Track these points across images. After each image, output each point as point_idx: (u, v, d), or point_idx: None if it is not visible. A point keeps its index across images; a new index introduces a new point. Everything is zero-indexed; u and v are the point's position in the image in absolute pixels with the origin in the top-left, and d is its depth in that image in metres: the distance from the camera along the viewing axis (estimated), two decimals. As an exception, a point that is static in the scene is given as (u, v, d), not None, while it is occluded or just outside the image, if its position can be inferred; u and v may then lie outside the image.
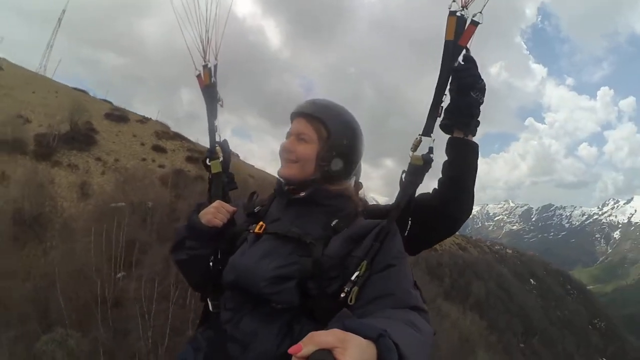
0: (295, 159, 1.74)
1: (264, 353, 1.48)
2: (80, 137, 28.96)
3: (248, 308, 1.58)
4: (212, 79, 2.30)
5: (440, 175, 1.89)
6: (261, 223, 1.73)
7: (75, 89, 41.61)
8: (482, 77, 1.81)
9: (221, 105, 2.32)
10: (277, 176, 1.84)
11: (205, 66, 2.30)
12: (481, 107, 1.86)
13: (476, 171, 1.86)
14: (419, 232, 1.81)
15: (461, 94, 1.80)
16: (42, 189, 23.09)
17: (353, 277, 1.46)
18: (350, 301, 1.44)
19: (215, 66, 2.32)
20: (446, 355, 29.87)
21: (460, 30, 1.79)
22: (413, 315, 1.33)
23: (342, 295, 1.45)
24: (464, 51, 1.83)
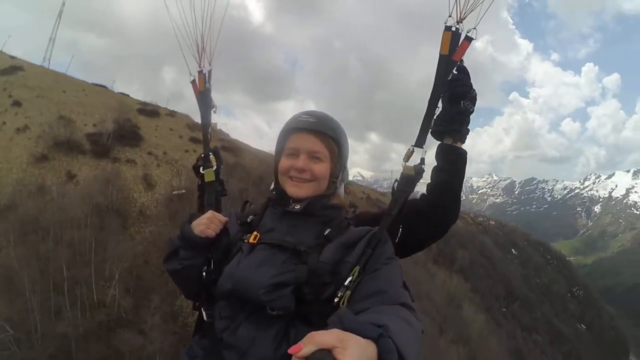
0: (311, 178, 1.76)
1: (262, 359, 1.53)
2: (129, 134, 31.86)
3: (244, 316, 1.62)
4: (207, 84, 2.31)
5: (429, 181, 1.97)
6: (255, 233, 1.74)
7: (95, 84, 44.02)
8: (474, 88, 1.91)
9: (215, 112, 2.33)
10: (277, 187, 1.85)
11: (200, 72, 2.31)
12: (471, 117, 1.95)
13: (464, 177, 1.96)
14: (408, 236, 1.86)
15: (453, 103, 1.90)
16: (112, 183, 26.03)
17: (346, 282, 1.51)
18: (343, 304, 1.48)
19: (210, 72, 2.33)
20: (438, 306, 34.12)
21: (454, 45, 1.85)
22: (404, 312, 1.36)
23: (336, 300, 1.49)
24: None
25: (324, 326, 1.12)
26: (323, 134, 1.78)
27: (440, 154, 1.94)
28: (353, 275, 1.53)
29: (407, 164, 1.82)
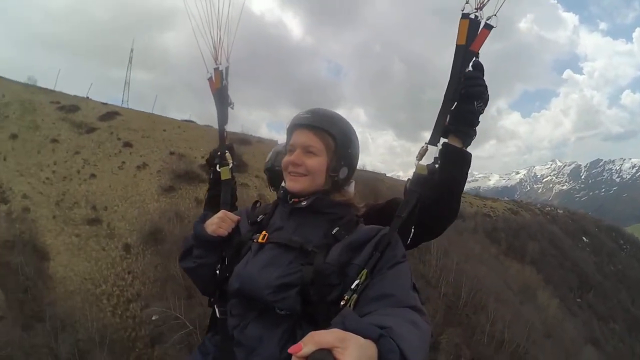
0: (305, 172, 1.76)
1: (268, 357, 1.55)
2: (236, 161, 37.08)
3: (253, 314, 1.64)
4: (224, 81, 2.34)
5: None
6: (264, 232, 1.78)
7: (185, 120, 48.61)
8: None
9: (232, 108, 2.37)
10: (283, 185, 1.86)
11: (216, 69, 2.35)
12: (480, 118, 1.85)
13: (465, 180, 1.90)
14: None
15: (466, 102, 1.81)
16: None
17: (353, 286, 1.51)
18: (350, 307, 1.48)
19: (227, 68, 2.36)
20: (515, 294, 37.53)
21: (472, 34, 1.78)
22: (412, 314, 1.36)
23: (342, 302, 1.49)
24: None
25: (330, 327, 1.12)
26: (318, 129, 1.77)
27: (443, 154, 1.83)
28: (360, 278, 1.52)
29: (421, 162, 1.81)
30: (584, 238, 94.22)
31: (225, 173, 2.27)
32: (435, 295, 30.04)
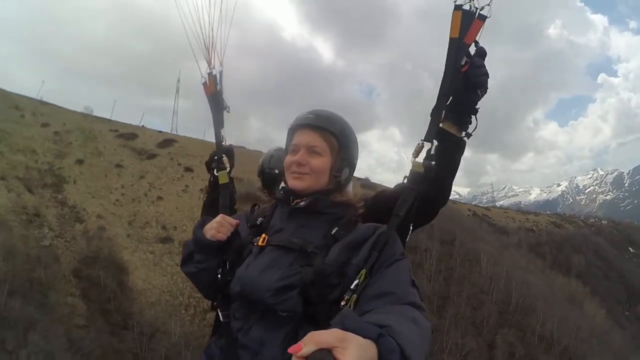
0: (309, 172, 1.80)
1: (272, 359, 1.58)
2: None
3: (256, 317, 1.67)
4: (218, 85, 2.36)
5: None
6: (264, 235, 1.80)
7: (236, 146, 52.73)
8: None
9: (228, 112, 2.39)
10: (284, 186, 1.91)
11: (210, 73, 2.35)
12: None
13: (458, 166, 1.92)
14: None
15: (469, 91, 1.81)
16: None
17: (352, 286, 1.53)
18: (349, 307, 1.50)
19: (221, 73, 2.37)
20: (561, 303, 39.74)
21: (466, 26, 1.75)
22: (412, 311, 1.37)
23: (342, 303, 1.52)
24: (473, 45, 1.80)
25: (329, 327, 1.14)
26: (322, 129, 1.81)
27: (441, 141, 1.85)
28: (359, 278, 1.54)
29: (417, 159, 1.80)
30: (630, 249, 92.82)
31: (222, 177, 2.28)
32: (488, 300, 32.91)
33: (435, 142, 1.82)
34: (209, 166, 2.40)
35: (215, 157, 2.36)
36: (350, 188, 1.98)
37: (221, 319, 1.86)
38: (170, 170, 39.16)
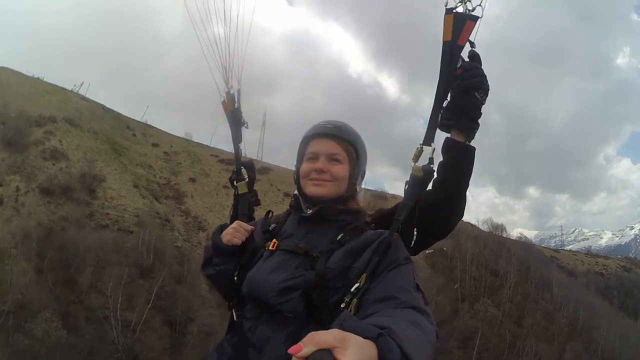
0: (330, 179, 1.86)
1: (276, 357, 1.62)
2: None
3: (264, 317, 1.74)
4: (236, 104, 2.47)
5: (435, 176, 1.88)
6: (274, 241, 1.88)
7: None
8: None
9: (246, 127, 2.51)
10: (295, 193, 1.99)
11: (228, 92, 2.46)
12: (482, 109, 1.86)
13: (470, 176, 1.90)
14: (418, 238, 1.83)
15: (466, 94, 1.83)
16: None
17: (353, 289, 1.56)
18: (351, 312, 1.52)
19: (239, 91, 2.47)
20: (622, 322, 43.90)
21: (458, 28, 1.77)
22: (414, 315, 1.37)
23: (342, 305, 1.54)
24: (468, 48, 1.84)
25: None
26: (341, 138, 1.89)
27: (447, 150, 1.87)
28: (360, 282, 1.57)
29: (417, 164, 1.82)
30: None
31: (242, 187, 2.37)
32: (560, 317, 39.85)
33: (434, 146, 1.82)
34: (231, 181, 2.45)
35: (235, 170, 2.43)
36: (361, 196, 2.03)
37: (235, 318, 1.92)
38: (272, 195, 45.20)
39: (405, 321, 1.27)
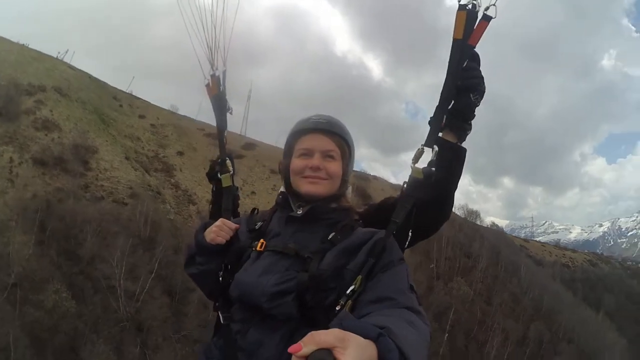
0: (326, 177, 1.85)
1: None
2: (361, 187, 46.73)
3: (254, 320, 1.71)
4: (221, 87, 2.36)
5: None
6: (262, 241, 1.84)
7: None
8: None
9: (231, 114, 2.41)
10: (283, 191, 1.97)
11: (213, 75, 2.35)
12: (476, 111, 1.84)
13: (459, 177, 1.89)
14: (398, 233, 1.80)
15: (461, 95, 1.81)
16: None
17: (348, 291, 1.56)
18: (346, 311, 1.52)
19: (224, 73, 2.37)
20: (584, 311, 49.29)
21: (470, 27, 1.75)
22: (409, 315, 1.38)
23: (338, 307, 1.54)
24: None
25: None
26: (335, 134, 1.88)
27: (439, 150, 1.84)
28: (355, 284, 1.56)
29: (417, 165, 1.82)
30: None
31: (226, 180, 2.28)
32: (526, 298, 46.68)
33: (436, 148, 1.81)
34: (211, 172, 2.36)
35: (219, 161, 2.33)
36: (349, 192, 2.01)
37: (222, 321, 1.89)
38: (258, 170, 45.45)
39: (401, 321, 1.28)
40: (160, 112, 54.62)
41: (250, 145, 52.93)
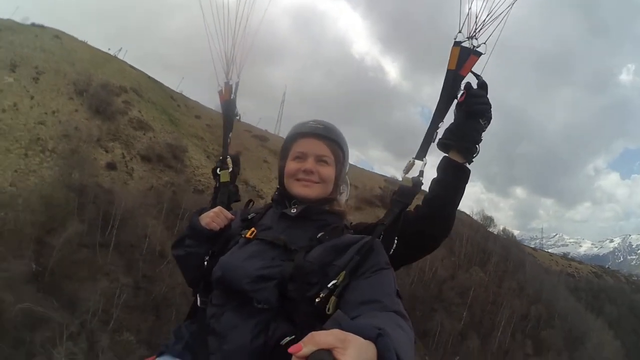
0: (318, 180, 1.91)
1: (239, 346, 1.64)
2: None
3: (232, 305, 1.74)
4: (232, 95, 2.57)
5: (427, 192, 2.01)
6: (253, 229, 1.90)
7: None
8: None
9: (239, 120, 2.64)
10: (279, 187, 2.05)
11: (227, 83, 2.55)
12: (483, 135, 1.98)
13: (462, 196, 2.00)
14: (401, 248, 1.91)
15: (470, 119, 1.96)
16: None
17: (330, 285, 1.60)
18: (328, 310, 1.56)
19: (237, 84, 2.57)
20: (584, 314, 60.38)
21: (462, 60, 1.96)
22: (398, 319, 1.41)
23: (317, 300, 1.58)
24: (474, 78, 2.00)
25: (305, 324, 1.27)
26: (330, 140, 1.95)
27: (443, 168, 1.97)
28: (338, 279, 1.60)
29: (407, 176, 1.96)
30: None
31: (224, 175, 2.41)
32: (528, 287, 60.25)
33: (426, 160, 1.97)
34: (214, 169, 2.48)
35: (221, 158, 2.47)
36: (344, 198, 2.09)
37: (198, 304, 1.97)
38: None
39: (392, 323, 1.33)
40: (209, 112, 59.21)
41: (264, 138, 59.40)
